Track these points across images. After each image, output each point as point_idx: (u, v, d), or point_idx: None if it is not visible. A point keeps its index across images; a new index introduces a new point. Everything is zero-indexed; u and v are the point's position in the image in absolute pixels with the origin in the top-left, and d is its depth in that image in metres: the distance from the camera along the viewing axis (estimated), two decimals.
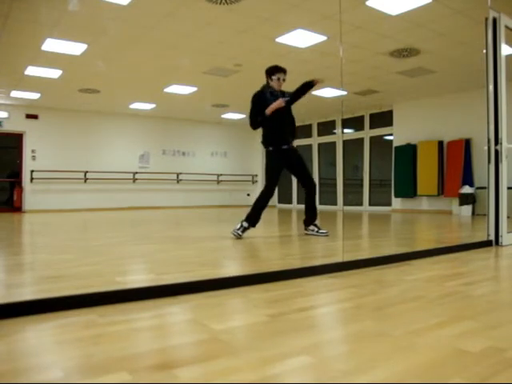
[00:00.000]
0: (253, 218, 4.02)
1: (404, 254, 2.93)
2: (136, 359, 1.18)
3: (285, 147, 4.09)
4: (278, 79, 4.03)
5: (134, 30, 5.62)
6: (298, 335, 1.38)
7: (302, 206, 4.34)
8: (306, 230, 4.28)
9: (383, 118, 10.56)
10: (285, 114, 4.09)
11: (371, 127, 10.94)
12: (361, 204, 11.02)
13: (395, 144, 10.09)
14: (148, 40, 5.93)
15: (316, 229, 4.20)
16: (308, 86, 4.06)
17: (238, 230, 3.94)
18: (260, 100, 4.03)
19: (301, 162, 4.24)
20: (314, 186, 4.24)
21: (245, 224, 3.97)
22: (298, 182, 4.37)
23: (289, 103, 4.10)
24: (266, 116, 3.99)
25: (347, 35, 5.73)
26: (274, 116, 4.00)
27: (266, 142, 4.13)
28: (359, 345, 1.30)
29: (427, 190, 9.30)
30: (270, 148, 4.10)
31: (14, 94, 8.87)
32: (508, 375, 1.08)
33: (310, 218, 4.25)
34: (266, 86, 4.10)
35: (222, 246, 3.71)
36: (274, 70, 4.04)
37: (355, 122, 11.22)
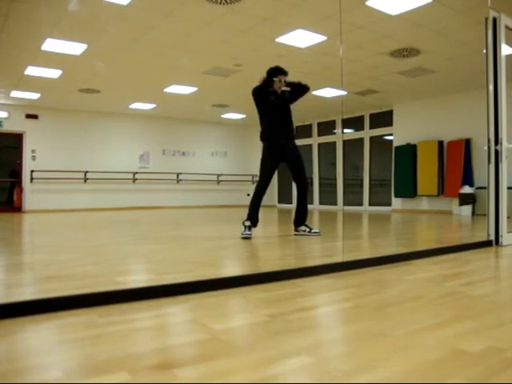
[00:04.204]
0: (252, 216, 4.06)
1: (404, 254, 2.93)
2: (136, 359, 1.18)
3: (282, 142, 4.13)
4: (280, 81, 4.10)
5: (133, 30, 5.62)
6: (298, 335, 1.37)
7: None
8: (295, 230, 4.25)
9: (383, 118, 10.56)
10: (282, 110, 4.16)
11: (371, 127, 10.93)
12: (361, 204, 11.01)
13: (395, 144, 10.09)
14: (148, 40, 5.93)
15: (308, 229, 4.18)
16: (304, 90, 4.19)
17: (244, 231, 3.98)
18: (260, 95, 4.13)
19: (298, 159, 4.25)
20: (306, 184, 4.25)
21: (247, 223, 4.02)
22: (292, 178, 4.35)
23: (290, 102, 4.22)
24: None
25: (347, 35, 5.73)
26: (270, 112, 4.12)
27: (262, 136, 4.23)
28: (359, 345, 1.30)
29: (427, 190, 9.30)
30: (265, 142, 4.17)
31: (14, 93, 8.86)
32: (508, 375, 1.08)
33: (301, 218, 4.22)
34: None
35: (222, 246, 3.71)
36: (276, 72, 4.10)
37: (355, 122, 11.22)
